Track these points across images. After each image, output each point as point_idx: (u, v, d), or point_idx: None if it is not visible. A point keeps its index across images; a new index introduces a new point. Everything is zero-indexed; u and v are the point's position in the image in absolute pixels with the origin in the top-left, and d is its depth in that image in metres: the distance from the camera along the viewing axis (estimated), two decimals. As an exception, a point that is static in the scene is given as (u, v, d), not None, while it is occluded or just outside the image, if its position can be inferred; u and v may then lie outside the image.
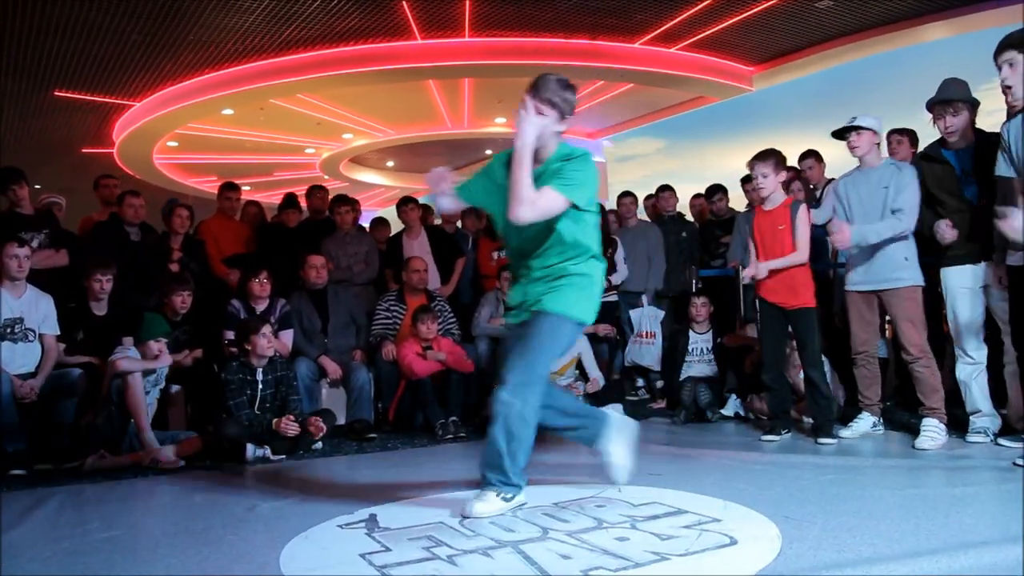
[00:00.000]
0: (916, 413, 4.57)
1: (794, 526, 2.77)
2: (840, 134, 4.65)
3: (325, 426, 5.02)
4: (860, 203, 4.56)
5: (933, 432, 4.31)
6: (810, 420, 5.05)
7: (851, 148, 4.62)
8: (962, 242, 4.29)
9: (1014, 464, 3.64)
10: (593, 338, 6.52)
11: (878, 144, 4.66)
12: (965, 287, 4.31)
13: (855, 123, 4.55)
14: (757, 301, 4.76)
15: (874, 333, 4.71)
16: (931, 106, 4.38)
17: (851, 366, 4.81)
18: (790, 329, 4.77)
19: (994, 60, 3.75)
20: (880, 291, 4.53)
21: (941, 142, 4.43)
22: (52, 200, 6.51)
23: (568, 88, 3.17)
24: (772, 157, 4.56)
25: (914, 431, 4.42)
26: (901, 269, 4.47)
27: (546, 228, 3.14)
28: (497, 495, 3.13)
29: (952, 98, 4.27)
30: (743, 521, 2.87)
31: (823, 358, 5.29)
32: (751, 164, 4.62)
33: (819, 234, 5.20)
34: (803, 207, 4.62)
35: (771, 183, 4.57)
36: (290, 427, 4.83)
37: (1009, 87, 3.73)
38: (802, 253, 4.53)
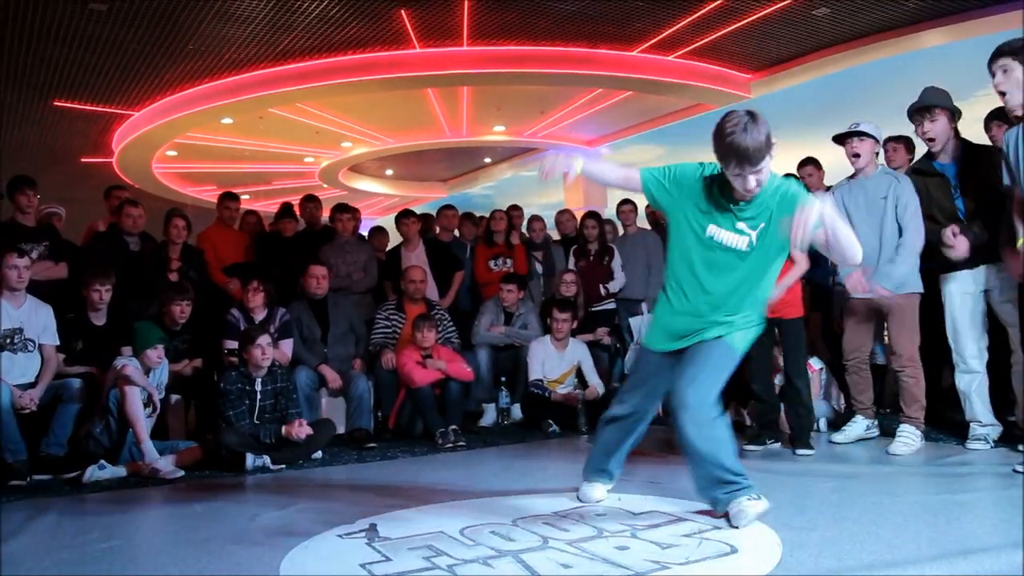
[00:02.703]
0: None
1: (794, 534, 2.77)
2: (841, 139, 4.64)
3: (308, 430, 4.90)
4: (859, 215, 4.54)
5: (908, 438, 4.35)
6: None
7: (852, 155, 4.58)
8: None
9: (1014, 471, 3.65)
10: (593, 346, 6.53)
11: (876, 153, 4.65)
12: (965, 293, 4.31)
13: (859, 128, 4.53)
14: None
15: (867, 339, 4.71)
16: (911, 114, 4.39)
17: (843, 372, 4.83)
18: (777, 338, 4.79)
19: (988, 67, 3.76)
20: (881, 298, 4.53)
21: (929, 155, 4.45)
22: (52, 210, 6.52)
23: (761, 123, 2.79)
24: None
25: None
26: (901, 276, 4.46)
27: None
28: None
29: (929, 104, 4.28)
30: (743, 529, 2.87)
31: (823, 365, 5.32)
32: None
33: None
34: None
35: None
36: (302, 430, 4.83)
37: (1003, 92, 3.75)
38: (802, 265, 4.52)
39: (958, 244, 4.11)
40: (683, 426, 2.92)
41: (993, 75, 3.74)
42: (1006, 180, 3.84)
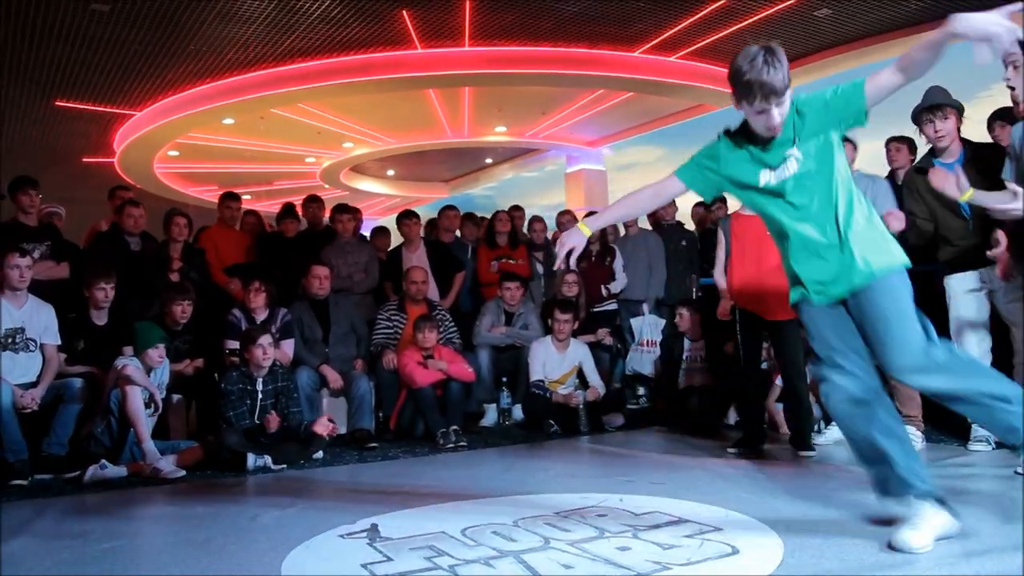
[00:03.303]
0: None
1: (796, 535, 2.76)
2: None
3: (334, 424, 5.03)
4: None
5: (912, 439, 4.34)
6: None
7: None
8: (964, 248, 4.28)
9: (1016, 472, 3.64)
10: (594, 346, 6.52)
11: (852, 159, 4.64)
12: (969, 293, 4.31)
13: None
14: (738, 312, 4.75)
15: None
16: (917, 114, 4.38)
17: None
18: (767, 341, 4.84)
19: (1002, 59, 3.76)
20: None
21: (932, 153, 4.44)
22: (52, 210, 6.52)
23: (780, 55, 2.69)
24: None
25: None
26: None
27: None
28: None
29: (940, 103, 4.28)
30: (745, 530, 2.86)
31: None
32: None
33: None
34: None
35: None
36: (323, 426, 4.93)
37: (1012, 87, 3.75)
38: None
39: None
40: (924, 385, 2.70)
41: (1006, 67, 3.74)
42: (1007, 175, 3.85)
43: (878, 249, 2.71)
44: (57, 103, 10.74)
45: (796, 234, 2.81)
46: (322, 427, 4.93)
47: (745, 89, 2.65)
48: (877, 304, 2.68)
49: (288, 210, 7.14)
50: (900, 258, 2.72)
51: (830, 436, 4.68)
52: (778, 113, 2.68)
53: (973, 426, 4.34)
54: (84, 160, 13.43)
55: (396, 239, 7.51)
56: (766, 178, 2.80)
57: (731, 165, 2.86)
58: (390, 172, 16.51)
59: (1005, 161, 3.90)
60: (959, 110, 4.32)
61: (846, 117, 2.73)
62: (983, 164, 4.23)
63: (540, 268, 7.46)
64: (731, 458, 4.53)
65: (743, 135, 2.85)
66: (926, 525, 2.58)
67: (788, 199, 2.79)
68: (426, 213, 9.67)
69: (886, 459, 2.67)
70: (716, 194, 3.02)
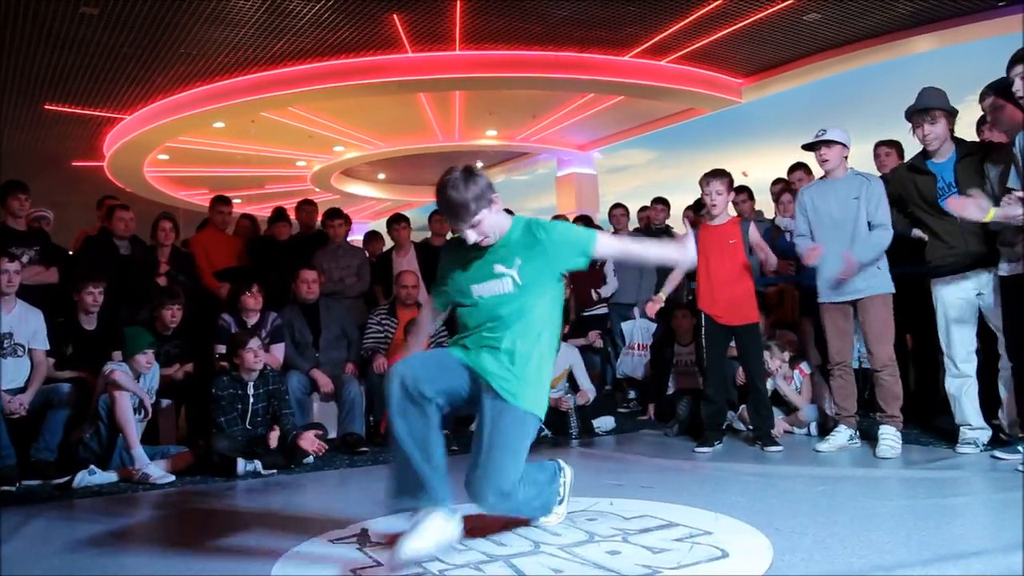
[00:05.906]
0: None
1: (785, 538, 2.77)
2: (810, 147, 4.69)
3: (320, 443, 4.95)
4: (829, 215, 4.58)
5: (892, 440, 4.39)
6: (801, 431, 5.11)
7: (821, 161, 4.64)
8: (951, 252, 4.30)
9: (1017, 470, 3.64)
10: (585, 350, 6.52)
11: (845, 157, 4.67)
12: (958, 297, 4.32)
13: (825, 136, 4.59)
14: (702, 316, 4.87)
15: (849, 343, 4.72)
16: (910, 115, 4.41)
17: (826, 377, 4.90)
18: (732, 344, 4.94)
19: (1007, 71, 3.78)
20: (854, 300, 4.56)
21: (924, 153, 4.46)
22: (40, 214, 6.49)
23: (471, 180, 2.69)
24: (726, 176, 4.82)
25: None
26: (873, 278, 4.49)
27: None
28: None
29: (930, 106, 4.30)
30: (734, 533, 2.87)
31: (814, 369, 5.34)
32: (705, 181, 4.80)
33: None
34: (752, 224, 4.94)
35: (722, 201, 4.83)
36: (309, 442, 4.87)
37: (1023, 98, 3.77)
38: (772, 259, 4.96)
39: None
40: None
41: (1012, 81, 3.76)
42: (1013, 183, 3.85)
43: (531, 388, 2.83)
44: (46, 107, 10.69)
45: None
46: (308, 443, 4.87)
47: (440, 207, 2.77)
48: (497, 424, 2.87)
49: (280, 214, 7.13)
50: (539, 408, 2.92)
51: (834, 442, 4.65)
52: (472, 233, 2.73)
53: (961, 428, 4.35)
54: (73, 164, 13.37)
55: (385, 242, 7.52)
56: (476, 291, 2.83)
57: (456, 273, 2.90)
58: (381, 176, 16.49)
59: (1011, 169, 3.92)
60: (951, 113, 4.34)
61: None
62: (976, 165, 4.25)
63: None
64: (721, 461, 4.53)
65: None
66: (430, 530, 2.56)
67: (495, 314, 2.80)
68: (417, 217, 9.69)
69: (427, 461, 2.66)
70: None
